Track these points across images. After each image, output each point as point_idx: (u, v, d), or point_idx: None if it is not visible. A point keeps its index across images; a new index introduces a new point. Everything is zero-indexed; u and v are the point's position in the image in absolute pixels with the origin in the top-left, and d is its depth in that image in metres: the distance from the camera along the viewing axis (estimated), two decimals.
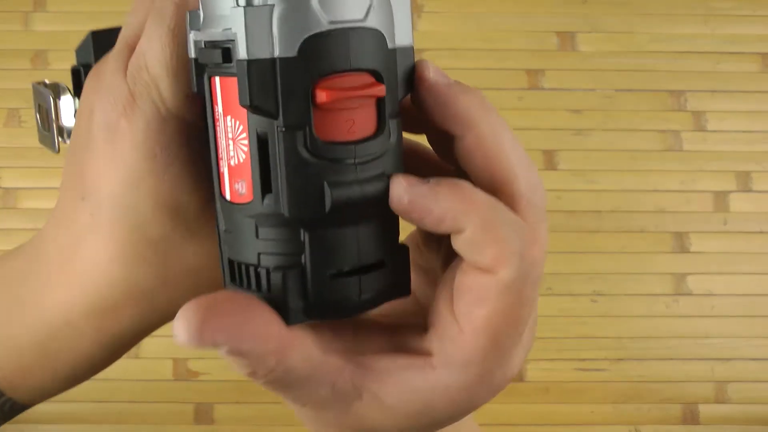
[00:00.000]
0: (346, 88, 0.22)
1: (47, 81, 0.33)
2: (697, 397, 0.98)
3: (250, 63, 0.21)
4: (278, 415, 0.93)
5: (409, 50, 0.24)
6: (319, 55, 0.22)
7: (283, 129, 0.22)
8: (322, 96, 0.22)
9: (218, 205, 0.24)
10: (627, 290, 0.99)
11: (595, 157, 1.02)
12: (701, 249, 1.01)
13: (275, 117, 0.22)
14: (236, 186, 0.23)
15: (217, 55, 0.22)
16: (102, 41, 0.32)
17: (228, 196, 0.24)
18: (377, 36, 0.23)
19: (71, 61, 0.34)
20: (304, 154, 0.22)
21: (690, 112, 1.04)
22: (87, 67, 0.33)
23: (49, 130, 0.33)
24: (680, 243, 1.01)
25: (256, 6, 0.21)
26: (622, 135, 1.03)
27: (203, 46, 0.23)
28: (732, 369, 0.98)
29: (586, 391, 0.97)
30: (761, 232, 1.01)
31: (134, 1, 0.27)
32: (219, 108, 0.23)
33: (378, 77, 0.23)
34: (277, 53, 0.21)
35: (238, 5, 0.21)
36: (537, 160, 1.00)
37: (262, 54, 0.21)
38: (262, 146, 0.22)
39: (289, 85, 0.22)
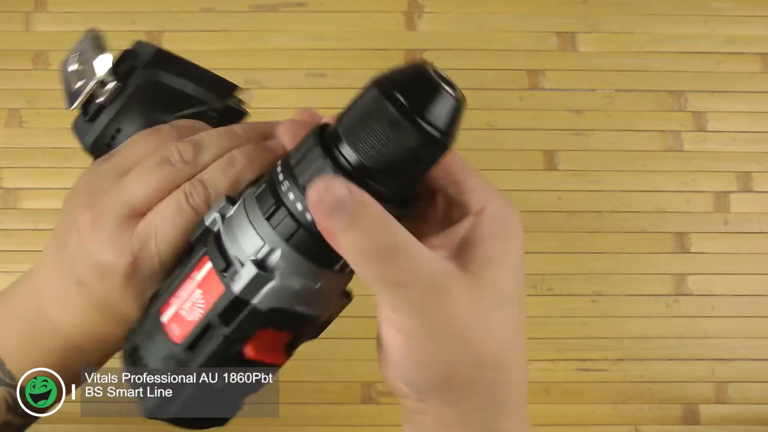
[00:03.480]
0: (268, 352, 0.32)
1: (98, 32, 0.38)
2: (697, 398, 0.98)
3: (236, 299, 0.30)
4: (279, 416, 0.93)
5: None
6: (268, 321, 0.31)
7: (225, 336, 0.30)
8: (250, 351, 0.31)
9: (149, 314, 0.33)
10: (627, 290, 0.99)
11: (595, 158, 1.02)
12: (702, 249, 1.01)
13: (226, 326, 0.30)
14: (174, 325, 0.32)
15: (220, 264, 0.31)
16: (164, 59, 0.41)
17: (164, 320, 0.32)
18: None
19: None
20: (227, 361, 0.31)
21: (690, 112, 1.04)
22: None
23: (75, 88, 0.39)
24: (681, 243, 1.01)
25: (264, 275, 0.30)
26: (622, 135, 1.03)
27: (220, 233, 0.31)
28: (732, 369, 0.98)
29: (587, 392, 0.97)
30: (762, 233, 1.01)
31: (143, 167, 0.35)
32: (197, 277, 0.31)
33: (295, 336, 0.32)
34: (255, 302, 0.30)
35: (254, 265, 0.30)
36: (537, 160, 1.00)
37: (246, 298, 0.30)
38: (206, 330, 0.31)
39: (247, 324, 0.30)
